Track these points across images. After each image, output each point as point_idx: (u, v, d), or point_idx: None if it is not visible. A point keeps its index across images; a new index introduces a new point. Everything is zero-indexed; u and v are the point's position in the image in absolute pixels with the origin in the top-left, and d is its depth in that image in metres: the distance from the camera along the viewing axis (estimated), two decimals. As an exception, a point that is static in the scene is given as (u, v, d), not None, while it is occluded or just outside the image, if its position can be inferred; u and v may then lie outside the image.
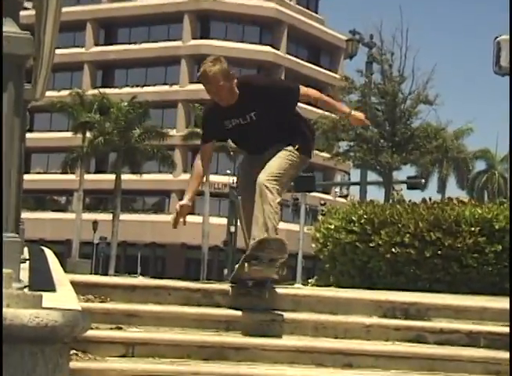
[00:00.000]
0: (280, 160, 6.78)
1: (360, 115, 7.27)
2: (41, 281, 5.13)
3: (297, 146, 6.89)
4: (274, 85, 7.22)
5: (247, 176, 7.16)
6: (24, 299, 3.05)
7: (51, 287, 3.98)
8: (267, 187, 6.57)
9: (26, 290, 3.59)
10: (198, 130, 60.14)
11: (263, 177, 6.63)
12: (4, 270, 3.12)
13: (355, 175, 52.43)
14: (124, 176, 57.37)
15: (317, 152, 45.07)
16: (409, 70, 40.47)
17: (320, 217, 14.14)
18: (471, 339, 6.78)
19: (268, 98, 6.82)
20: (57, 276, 4.66)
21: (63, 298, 3.78)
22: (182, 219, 6.79)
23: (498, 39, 15.55)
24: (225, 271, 51.94)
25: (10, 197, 3.49)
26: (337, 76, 61.36)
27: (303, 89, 7.04)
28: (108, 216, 59.49)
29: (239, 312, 6.71)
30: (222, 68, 6.71)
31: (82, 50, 75.60)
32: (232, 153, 57.76)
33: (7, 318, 2.85)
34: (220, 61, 6.79)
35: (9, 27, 3.54)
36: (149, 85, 70.96)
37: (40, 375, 2.93)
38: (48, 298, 3.17)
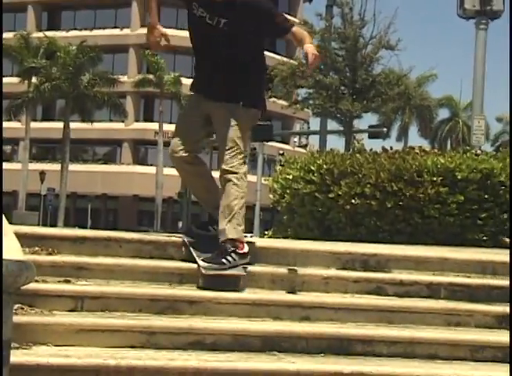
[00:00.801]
0: (232, 132, 6.51)
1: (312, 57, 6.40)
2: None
3: (242, 103, 6.56)
4: (260, 8, 6.51)
5: (191, 125, 6.85)
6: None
7: (-7, 238, 3.96)
8: (231, 180, 6.41)
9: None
10: (151, 76, 59.91)
11: (223, 167, 6.47)
12: None
13: (315, 123, 52.59)
14: (72, 125, 56.91)
15: (275, 100, 44.98)
16: (371, 14, 40.32)
17: (278, 167, 14.11)
18: (431, 291, 6.86)
19: (247, 17, 6.38)
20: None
21: (6, 249, 3.77)
22: (159, 38, 6.80)
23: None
24: (180, 223, 51.92)
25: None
26: (296, 20, 61.02)
27: (295, 29, 6.65)
28: (56, 166, 59.11)
29: (193, 265, 6.73)
30: None
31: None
32: (182, 100, 57.55)
33: None
34: None
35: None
36: (98, 28, 70.25)
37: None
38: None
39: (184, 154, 6.71)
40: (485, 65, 18.00)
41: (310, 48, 6.41)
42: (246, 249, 6.37)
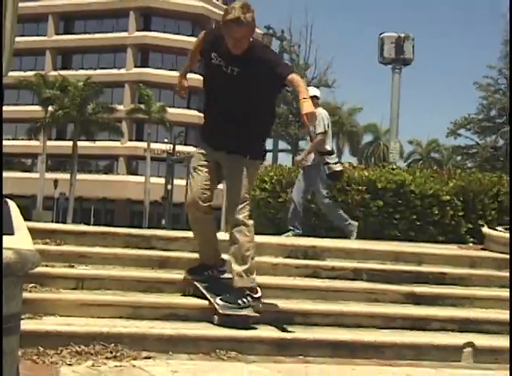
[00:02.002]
0: (243, 183, 5.59)
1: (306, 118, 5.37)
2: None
3: (251, 156, 5.67)
4: (266, 55, 5.66)
5: (207, 177, 5.79)
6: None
7: (10, 232, 3.93)
8: (242, 231, 5.56)
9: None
10: (142, 106, 59.80)
11: (236, 216, 5.57)
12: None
13: (269, 143, 52.58)
14: (80, 143, 56.87)
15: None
16: (313, 59, 40.72)
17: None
18: (356, 274, 6.89)
19: (257, 68, 5.52)
20: (16, 223, 4.59)
21: (19, 240, 3.74)
22: (185, 85, 6.25)
23: (381, 36, 15.72)
24: (163, 221, 51.88)
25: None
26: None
27: (291, 77, 5.52)
28: (66, 176, 58.75)
29: (171, 253, 6.72)
30: (254, 18, 5.53)
31: (45, 38, 74.20)
32: (168, 125, 57.50)
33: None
34: (251, 9, 5.53)
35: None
36: (100, 68, 70.00)
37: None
38: (6, 241, 3.15)
39: (204, 205, 5.75)
40: (399, 99, 18.10)
41: (305, 108, 5.23)
42: (259, 293, 5.61)
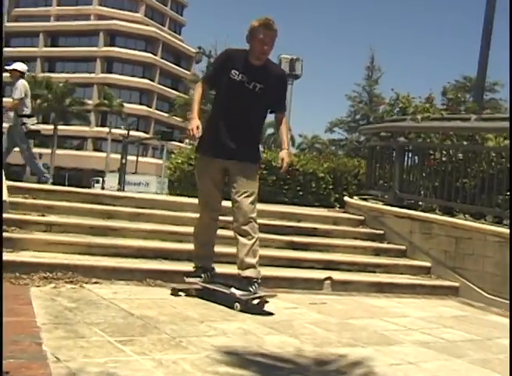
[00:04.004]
0: (253, 185, 4.67)
1: (286, 166, 4.73)
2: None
3: (253, 161, 4.75)
4: (284, 85, 4.86)
5: (217, 188, 4.81)
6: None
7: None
8: (254, 227, 4.62)
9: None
10: (106, 101, 58.57)
11: (249, 215, 4.60)
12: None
13: (198, 132, 52.07)
14: (59, 127, 55.70)
15: (176, 117, 44.78)
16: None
17: (173, 155, 13.94)
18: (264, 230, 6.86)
19: (276, 87, 4.74)
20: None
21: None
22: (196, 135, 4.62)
23: (280, 57, 15.66)
24: (118, 186, 50.93)
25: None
26: (189, 73, 60.73)
27: (285, 117, 4.86)
28: (49, 151, 57.28)
29: (116, 208, 6.62)
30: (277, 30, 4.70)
31: (37, 49, 71.91)
32: (124, 116, 56.54)
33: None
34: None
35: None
36: (77, 72, 68.20)
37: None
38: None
39: (214, 215, 4.91)
40: (291, 103, 18.11)
41: (288, 159, 4.68)
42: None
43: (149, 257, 5.50)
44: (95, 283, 4.75)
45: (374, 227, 7.82)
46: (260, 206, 7.93)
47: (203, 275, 4.85)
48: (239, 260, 4.56)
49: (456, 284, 6.61)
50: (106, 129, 59.97)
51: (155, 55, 69.93)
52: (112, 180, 41.67)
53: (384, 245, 7.42)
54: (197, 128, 4.59)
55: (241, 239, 4.58)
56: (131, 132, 55.10)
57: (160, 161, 48.14)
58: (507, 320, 5.47)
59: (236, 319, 4.18)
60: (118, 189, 32.90)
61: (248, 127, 4.71)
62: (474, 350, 4.10)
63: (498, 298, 6.11)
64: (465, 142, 7.95)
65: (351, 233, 7.53)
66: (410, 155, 8.39)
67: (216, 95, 4.79)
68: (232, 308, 4.41)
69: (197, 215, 4.96)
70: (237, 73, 4.63)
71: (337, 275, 5.95)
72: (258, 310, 4.43)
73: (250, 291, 4.50)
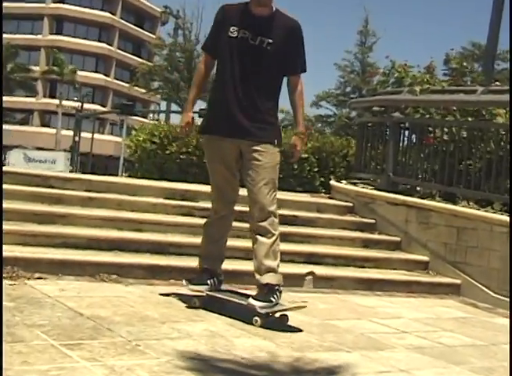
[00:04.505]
0: (271, 172, 4.33)
1: (298, 155, 4.57)
2: None
3: (271, 142, 4.35)
4: (298, 39, 4.45)
5: (230, 179, 4.50)
6: None
7: None
8: (274, 224, 4.33)
9: None
10: (55, 68, 58.02)
11: (268, 209, 4.31)
12: None
13: (163, 105, 52.07)
14: (-1, 97, 55.04)
15: (137, 88, 44.70)
16: (203, 36, 40.41)
17: (133, 132, 13.90)
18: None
19: (289, 42, 4.36)
20: None
21: None
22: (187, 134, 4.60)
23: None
24: (71, 167, 50.68)
25: None
26: (154, 36, 60.39)
27: (301, 80, 4.49)
28: (-13, 125, 56.76)
29: (66, 192, 6.58)
30: None
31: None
32: (78, 85, 56.08)
33: None
34: None
35: None
36: (20, 33, 67.38)
37: None
38: None
39: (231, 207, 4.64)
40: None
41: (301, 146, 4.49)
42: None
43: (104, 248, 5.48)
44: (39, 278, 4.72)
45: (364, 215, 7.86)
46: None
47: (209, 281, 4.52)
48: (256, 262, 4.31)
49: (458, 282, 6.69)
50: (56, 101, 59.53)
51: (113, 14, 69.30)
52: (16, 157, 40.72)
53: (375, 236, 7.47)
54: (188, 124, 4.43)
55: (259, 238, 4.32)
56: (86, 105, 54.68)
57: (119, 139, 47.97)
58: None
59: (203, 319, 4.18)
60: (71, 172, 32.69)
61: (261, 96, 4.31)
62: (477, 357, 4.16)
63: (505, 298, 6.18)
64: (470, 119, 8.01)
65: (337, 222, 7.56)
66: (407, 133, 8.44)
67: (218, 64, 4.46)
68: (249, 323, 4.14)
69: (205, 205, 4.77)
70: (236, 29, 4.32)
71: (321, 270, 5.97)
72: (281, 326, 4.19)
73: (271, 301, 4.22)
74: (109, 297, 4.48)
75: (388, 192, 7.88)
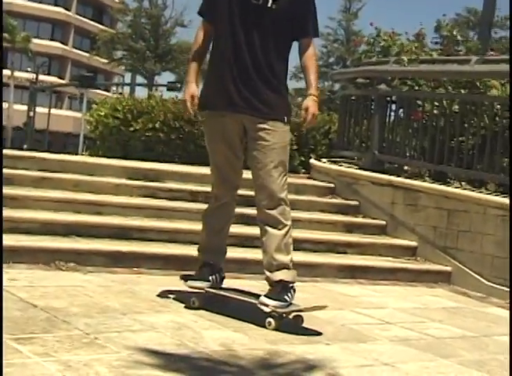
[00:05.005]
0: (281, 154, 4.17)
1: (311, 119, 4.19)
2: None
3: (285, 119, 4.18)
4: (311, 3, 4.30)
5: (233, 160, 4.33)
6: None
7: None
8: (285, 213, 4.18)
9: None
10: (6, 35, 57.37)
11: (278, 195, 4.14)
12: None
13: (127, 77, 51.84)
14: None
15: (98, 58, 44.45)
16: (170, 1, 40.29)
17: (93, 106, 13.81)
18: (194, 196, 6.90)
19: (296, 4, 4.21)
20: None
21: None
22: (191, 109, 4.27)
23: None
24: (25, 146, 50.39)
25: None
26: (117, 0, 59.90)
27: (312, 43, 4.30)
28: None
29: (17, 171, 6.54)
30: None
31: None
32: (32, 55, 55.54)
33: None
34: None
35: None
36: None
37: None
38: None
39: (234, 193, 4.49)
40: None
41: (314, 109, 4.15)
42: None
43: (59, 233, 5.48)
44: (-14, 267, 4.69)
45: (346, 197, 7.90)
46: (203, 170, 7.99)
47: (211, 277, 4.36)
48: (266, 257, 4.17)
49: (448, 269, 6.75)
50: (8, 72, 59.05)
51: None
52: None
53: (359, 220, 7.51)
54: (193, 97, 4.21)
55: (268, 229, 4.17)
56: (41, 77, 54.23)
57: (78, 114, 47.68)
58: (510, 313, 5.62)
59: (169, 310, 4.19)
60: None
61: (267, 64, 4.11)
62: (467, 349, 4.21)
63: (499, 286, 6.27)
64: (463, 91, 8.05)
65: (317, 205, 7.59)
66: (393, 107, 8.47)
67: (216, 29, 4.26)
68: (261, 325, 4.01)
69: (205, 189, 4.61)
70: None
71: (299, 256, 5.95)
72: (296, 327, 4.08)
73: (285, 300, 4.08)
74: (66, 286, 4.47)
75: (373, 171, 7.92)
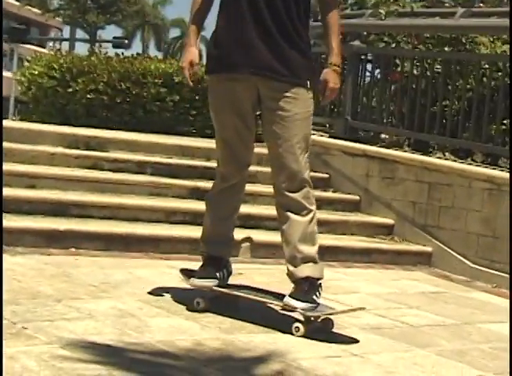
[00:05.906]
0: (303, 127, 3.97)
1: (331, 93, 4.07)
2: None
3: (305, 83, 3.95)
4: None
5: (243, 135, 4.10)
6: None
7: None
8: (310, 197, 4.05)
9: None
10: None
11: (300, 176, 3.98)
12: None
13: (66, 32, 51.27)
14: None
15: (30, 7, 43.82)
16: None
17: (25, 63, 13.65)
18: (140, 168, 6.92)
19: None
20: None
21: None
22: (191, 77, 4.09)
23: None
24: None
25: None
26: None
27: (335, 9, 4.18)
28: None
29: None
30: None
31: None
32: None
33: None
34: None
35: None
36: None
37: None
38: None
39: (243, 172, 4.27)
40: None
41: (335, 81, 4.00)
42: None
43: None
44: None
45: (315, 169, 7.87)
46: (151, 137, 7.98)
47: (218, 274, 4.14)
48: (288, 249, 4.00)
49: (429, 249, 6.83)
50: None
51: None
52: None
53: (329, 194, 7.55)
54: (192, 63, 4.02)
55: (291, 215, 4.02)
56: None
57: (8, 74, 46.89)
58: (496, 299, 5.70)
59: (110, 296, 4.19)
60: None
61: (288, 16, 3.90)
62: (447, 338, 4.27)
63: (485, 269, 6.35)
64: (446, 49, 8.09)
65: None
66: (369, 67, 8.50)
67: None
68: (287, 332, 3.84)
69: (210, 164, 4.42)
70: None
71: (260, 235, 6.02)
72: (324, 333, 3.91)
73: (314, 301, 3.91)
74: (-9, 270, 4.44)
75: (345, 140, 7.95)
